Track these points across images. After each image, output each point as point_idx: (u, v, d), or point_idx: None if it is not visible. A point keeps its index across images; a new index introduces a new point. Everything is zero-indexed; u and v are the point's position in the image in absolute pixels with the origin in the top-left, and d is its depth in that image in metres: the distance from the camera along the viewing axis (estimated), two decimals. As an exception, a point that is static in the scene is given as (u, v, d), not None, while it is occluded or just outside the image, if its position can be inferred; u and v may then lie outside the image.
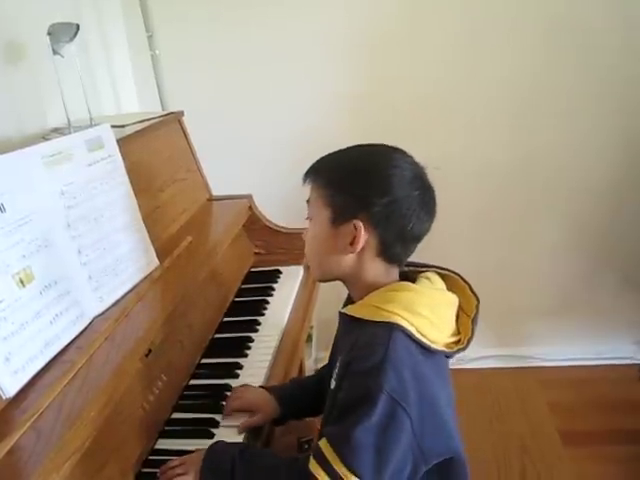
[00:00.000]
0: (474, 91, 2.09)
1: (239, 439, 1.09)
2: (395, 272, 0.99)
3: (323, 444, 0.85)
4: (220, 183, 1.81)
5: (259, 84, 2.11)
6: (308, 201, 1.01)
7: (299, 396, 1.18)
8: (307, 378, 1.31)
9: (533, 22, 2.00)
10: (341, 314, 1.00)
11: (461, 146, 2.15)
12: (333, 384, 0.96)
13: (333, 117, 2.12)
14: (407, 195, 0.92)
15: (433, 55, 2.06)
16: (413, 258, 1.02)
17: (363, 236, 0.92)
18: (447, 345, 0.94)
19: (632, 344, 2.36)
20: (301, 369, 1.72)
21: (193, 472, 0.95)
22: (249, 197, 1.75)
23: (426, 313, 0.90)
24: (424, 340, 0.89)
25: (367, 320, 0.92)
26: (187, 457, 0.99)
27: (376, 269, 0.96)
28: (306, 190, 1.01)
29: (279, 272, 1.69)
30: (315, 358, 2.30)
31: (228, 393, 1.20)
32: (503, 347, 2.38)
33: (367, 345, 0.88)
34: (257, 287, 1.61)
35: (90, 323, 1.10)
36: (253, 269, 1.72)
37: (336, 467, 0.82)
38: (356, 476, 0.82)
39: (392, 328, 0.88)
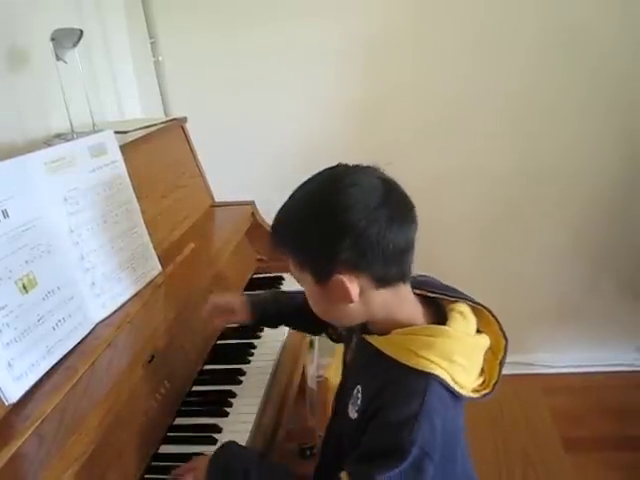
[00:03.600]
0: (477, 100, 2.08)
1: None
2: (405, 294, 0.91)
3: (345, 478, 0.85)
4: (223, 189, 1.81)
5: (262, 90, 2.11)
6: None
7: (272, 310, 1.22)
8: (286, 296, 1.26)
9: (544, 29, 1.99)
10: (362, 339, 0.95)
11: (464, 154, 2.14)
12: (354, 414, 0.92)
13: (336, 123, 2.12)
14: (368, 220, 0.82)
15: (437, 61, 2.06)
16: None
17: (351, 285, 0.86)
18: (474, 389, 0.90)
19: (634, 351, 2.35)
20: (303, 375, 1.72)
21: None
22: (252, 203, 1.75)
23: (461, 361, 0.87)
24: (457, 388, 0.87)
25: (400, 362, 0.88)
26: (195, 463, 0.98)
27: (385, 299, 0.89)
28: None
29: (282, 278, 1.69)
30: (317, 364, 2.29)
31: (231, 399, 1.20)
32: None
33: (402, 394, 0.85)
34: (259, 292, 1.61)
35: (93, 329, 1.10)
36: (256, 275, 1.71)
37: None
38: None
39: (429, 378, 0.85)
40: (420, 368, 0.85)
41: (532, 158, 2.15)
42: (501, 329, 0.95)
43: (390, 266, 0.86)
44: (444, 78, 2.07)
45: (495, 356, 0.94)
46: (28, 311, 0.96)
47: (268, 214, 1.75)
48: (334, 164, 0.94)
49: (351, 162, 0.94)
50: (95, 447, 0.88)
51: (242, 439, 1.09)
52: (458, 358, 0.86)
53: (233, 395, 1.22)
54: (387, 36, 2.03)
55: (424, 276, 1.01)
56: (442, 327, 0.89)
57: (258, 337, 1.42)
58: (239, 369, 1.30)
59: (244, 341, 1.40)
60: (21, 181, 1.01)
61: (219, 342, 1.40)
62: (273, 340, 1.41)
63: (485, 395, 0.90)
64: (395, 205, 0.86)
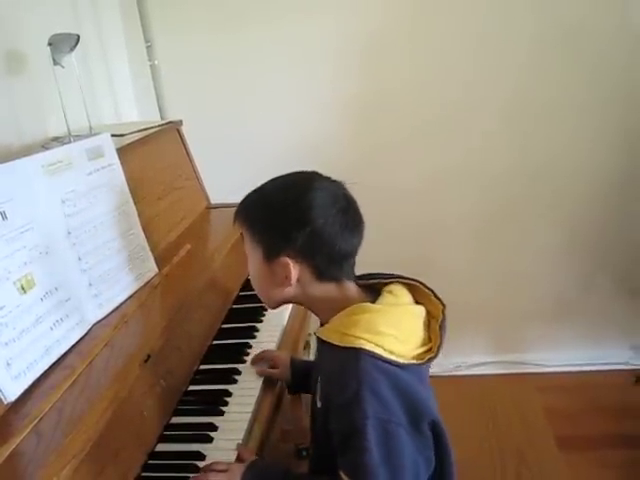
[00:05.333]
0: (474, 99, 2.11)
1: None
2: (346, 286, 1.00)
3: (344, 476, 0.89)
4: (218, 191, 1.83)
5: (258, 93, 2.13)
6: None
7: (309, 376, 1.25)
8: None
9: (541, 28, 2.01)
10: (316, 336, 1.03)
11: (461, 154, 2.16)
12: (319, 403, 1.00)
13: (333, 124, 2.14)
14: (326, 221, 0.94)
15: (435, 60, 2.08)
16: (404, 263, 1.03)
17: (294, 269, 0.96)
18: (417, 356, 0.95)
19: (628, 349, 2.37)
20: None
21: None
22: (247, 205, 1.76)
23: (389, 330, 0.92)
24: (392, 357, 0.91)
25: (335, 345, 0.94)
26: (232, 464, 1.01)
27: (322, 289, 0.98)
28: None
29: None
30: (313, 365, 2.31)
31: (227, 398, 1.22)
32: (499, 353, 2.39)
33: (339, 376, 0.92)
34: (255, 294, 1.62)
35: (90, 329, 1.11)
36: (251, 276, 1.73)
37: None
38: None
39: (358, 353, 0.90)
40: (349, 345, 0.91)
41: (528, 157, 2.17)
42: (436, 296, 1.00)
43: (332, 265, 0.97)
44: (441, 77, 2.09)
45: (438, 323, 0.99)
46: (26, 311, 0.97)
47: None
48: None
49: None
50: (92, 445, 0.89)
51: (237, 438, 1.11)
52: (385, 329, 0.92)
53: (229, 394, 1.23)
54: (384, 35, 2.05)
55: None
56: (363, 304, 0.96)
57: (254, 337, 1.44)
58: (235, 368, 1.31)
59: (240, 341, 1.41)
60: (19, 183, 1.03)
61: (215, 342, 1.41)
62: (269, 340, 1.42)
63: (430, 360, 0.95)
64: (350, 217, 0.98)
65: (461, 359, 2.37)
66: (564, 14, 1.99)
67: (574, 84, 2.07)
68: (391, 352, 0.91)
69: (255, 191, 1.03)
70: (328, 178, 1.01)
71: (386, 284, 1.01)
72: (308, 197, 0.95)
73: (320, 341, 1.00)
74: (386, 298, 0.98)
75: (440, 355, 0.97)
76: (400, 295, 1.00)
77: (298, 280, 0.97)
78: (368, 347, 0.90)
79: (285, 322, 1.51)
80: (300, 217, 0.94)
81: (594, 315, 2.34)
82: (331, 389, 0.93)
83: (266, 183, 1.03)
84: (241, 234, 1.06)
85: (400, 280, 1.02)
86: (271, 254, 0.97)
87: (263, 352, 1.34)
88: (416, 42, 2.07)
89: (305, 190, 0.97)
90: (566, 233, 2.26)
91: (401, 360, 0.92)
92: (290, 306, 1.58)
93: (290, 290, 0.99)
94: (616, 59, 2.03)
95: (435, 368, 2.32)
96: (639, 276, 2.28)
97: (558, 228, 2.26)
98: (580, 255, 2.29)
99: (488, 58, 2.06)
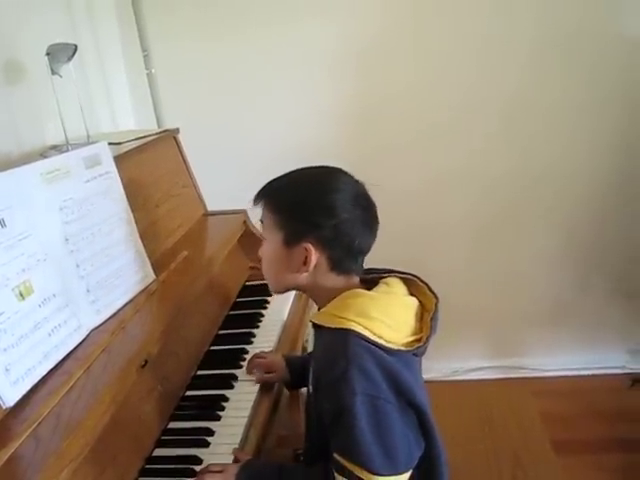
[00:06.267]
0: (473, 103, 2.12)
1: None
2: (353, 279, 1.04)
3: (338, 457, 0.91)
4: (215, 198, 1.84)
5: (254, 100, 2.14)
6: (262, 221, 1.07)
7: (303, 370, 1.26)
8: None
9: (541, 32, 2.03)
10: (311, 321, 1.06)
11: (460, 157, 2.17)
12: (311, 388, 1.03)
13: (329, 132, 2.15)
14: (350, 216, 0.99)
15: (433, 65, 2.09)
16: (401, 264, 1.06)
17: (314, 256, 0.99)
18: (407, 344, 0.98)
19: (624, 353, 2.37)
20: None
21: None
22: (244, 212, 1.78)
23: (379, 316, 0.96)
24: (380, 341, 0.94)
25: (327, 327, 0.98)
26: (227, 465, 1.03)
27: (332, 281, 1.02)
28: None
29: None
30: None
31: (223, 403, 1.23)
32: (496, 358, 2.40)
33: (328, 355, 0.95)
34: (252, 300, 1.63)
35: (88, 335, 1.12)
36: (248, 283, 1.74)
37: (356, 472, 0.89)
38: (373, 473, 0.88)
39: (347, 334, 0.94)
40: (339, 326, 0.95)
41: (529, 159, 2.18)
42: (430, 290, 1.05)
43: (348, 257, 1.01)
44: (441, 80, 2.10)
45: (430, 315, 1.03)
46: (25, 317, 0.98)
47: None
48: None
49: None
50: (90, 450, 0.90)
51: (234, 442, 1.12)
52: (376, 314, 0.96)
53: (226, 399, 1.24)
54: (383, 40, 2.07)
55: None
56: (358, 290, 1.00)
57: (250, 343, 1.45)
58: (232, 374, 1.32)
59: (237, 347, 1.42)
60: (18, 191, 1.04)
61: (212, 348, 1.42)
62: (265, 345, 1.43)
63: (418, 348, 0.98)
64: (370, 216, 1.03)
65: (459, 364, 2.38)
66: (563, 18, 2.01)
67: (573, 86, 2.09)
68: (380, 336, 0.94)
69: (283, 177, 1.06)
70: (352, 176, 1.05)
71: (383, 277, 1.05)
72: (336, 190, 1.00)
73: (315, 328, 1.03)
74: (380, 287, 1.02)
75: (438, 360, 0.99)
76: (394, 286, 1.04)
77: (314, 266, 1.00)
78: (358, 329, 0.94)
79: (281, 328, 1.53)
80: (328, 207, 0.98)
81: (591, 318, 2.34)
82: (321, 369, 0.96)
83: (293, 171, 1.06)
84: (260, 221, 1.08)
85: (397, 274, 1.06)
86: (293, 239, 1.00)
87: (255, 357, 1.34)
88: (416, 45, 2.09)
89: (333, 183, 1.01)
90: (564, 235, 2.27)
91: (389, 345, 0.94)
92: (290, 302, 1.60)
93: (304, 277, 1.02)
94: (614, 61, 2.05)
95: (433, 373, 2.34)
96: (636, 278, 2.29)
97: (556, 230, 2.27)
98: (577, 257, 2.30)
99: (488, 61, 2.08)
